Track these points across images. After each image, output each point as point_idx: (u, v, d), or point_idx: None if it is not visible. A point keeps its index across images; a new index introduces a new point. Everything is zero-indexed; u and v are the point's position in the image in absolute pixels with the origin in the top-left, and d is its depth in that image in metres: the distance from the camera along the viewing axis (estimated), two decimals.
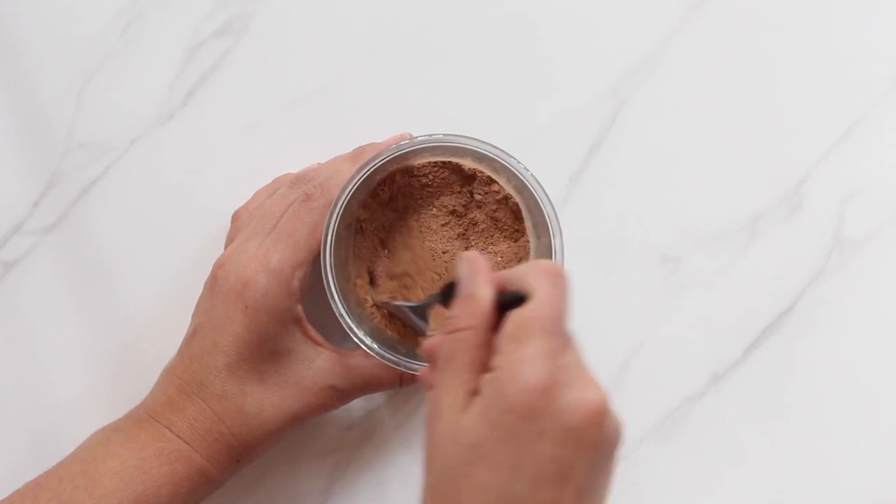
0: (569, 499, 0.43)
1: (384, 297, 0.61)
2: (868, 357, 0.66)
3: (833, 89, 0.67)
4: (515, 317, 0.45)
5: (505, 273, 0.48)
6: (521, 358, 0.44)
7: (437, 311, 0.58)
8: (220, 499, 0.62)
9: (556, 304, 0.46)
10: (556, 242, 0.58)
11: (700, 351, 0.66)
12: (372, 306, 0.61)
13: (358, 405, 0.65)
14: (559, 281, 0.46)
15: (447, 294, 0.50)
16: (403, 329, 0.61)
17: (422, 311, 0.58)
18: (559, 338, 0.45)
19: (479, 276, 0.47)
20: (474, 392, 0.45)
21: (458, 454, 0.44)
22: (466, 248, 0.62)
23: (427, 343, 0.48)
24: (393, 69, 0.67)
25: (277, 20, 0.67)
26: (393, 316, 0.61)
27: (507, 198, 0.61)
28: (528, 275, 0.47)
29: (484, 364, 0.45)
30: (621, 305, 0.66)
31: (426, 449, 0.46)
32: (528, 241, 0.61)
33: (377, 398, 0.66)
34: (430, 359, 0.47)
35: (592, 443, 0.43)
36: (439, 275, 0.62)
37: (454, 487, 0.44)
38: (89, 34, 0.66)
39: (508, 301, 0.46)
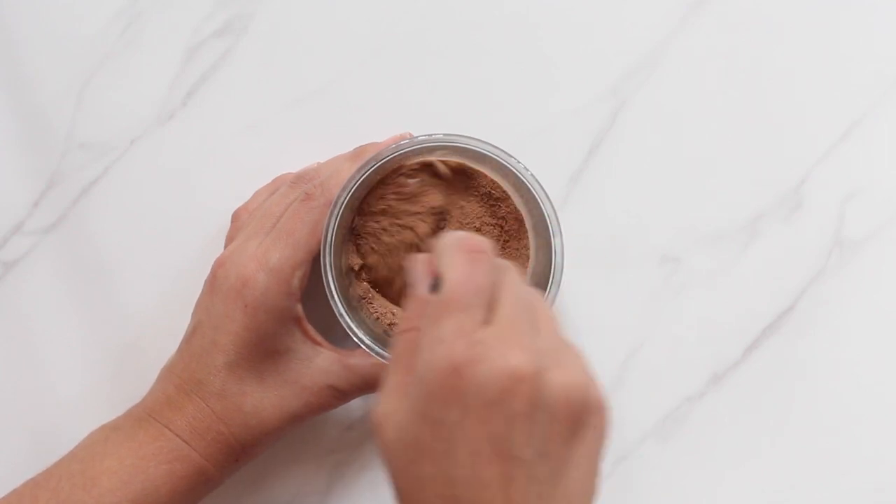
0: (520, 471, 0.42)
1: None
2: (868, 357, 0.66)
3: (833, 89, 0.67)
4: (431, 301, 0.45)
5: (435, 253, 0.47)
6: (433, 339, 0.43)
7: None
8: (220, 499, 0.62)
9: (468, 280, 0.44)
10: (556, 242, 0.58)
11: (700, 351, 0.66)
12: (368, 300, 0.61)
13: (358, 405, 0.65)
14: (473, 256, 0.45)
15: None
16: None
17: None
18: (474, 313, 0.44)
19: (417, 276, 0.47)
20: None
21: (404, 456, 0.43)
22: None
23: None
24: (393, 69, 0.67)
25: (277, 20, 0.67)
26: None
27: (508, 198, 0.61)
28: (442, 256, 0.46)
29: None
30: (621, 305, 0.66)
31: (381, 457, 0.45)
32: (528, 241, 0.61)
33: (377, 398, 0.65)
34: None
35: (522, 412, 0.42)
36: None
37: (412, 490, 0.43)
38: (89, 34, 0.66)
39: (436, 286, 0.46)
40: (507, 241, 0.62)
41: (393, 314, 0.61)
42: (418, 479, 0.43)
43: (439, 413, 0.42)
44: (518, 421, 0.42)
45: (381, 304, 0.61)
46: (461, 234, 0.47)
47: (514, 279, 0.46)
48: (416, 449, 0.43)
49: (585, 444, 0.44)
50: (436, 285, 0.46)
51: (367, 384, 0.60)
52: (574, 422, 0.43)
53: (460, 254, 0.45)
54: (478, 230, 0.62)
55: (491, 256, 0.46)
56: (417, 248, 0.62)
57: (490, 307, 0.45)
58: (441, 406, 0.42)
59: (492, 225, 0.62)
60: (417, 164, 0.61)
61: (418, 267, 0.48)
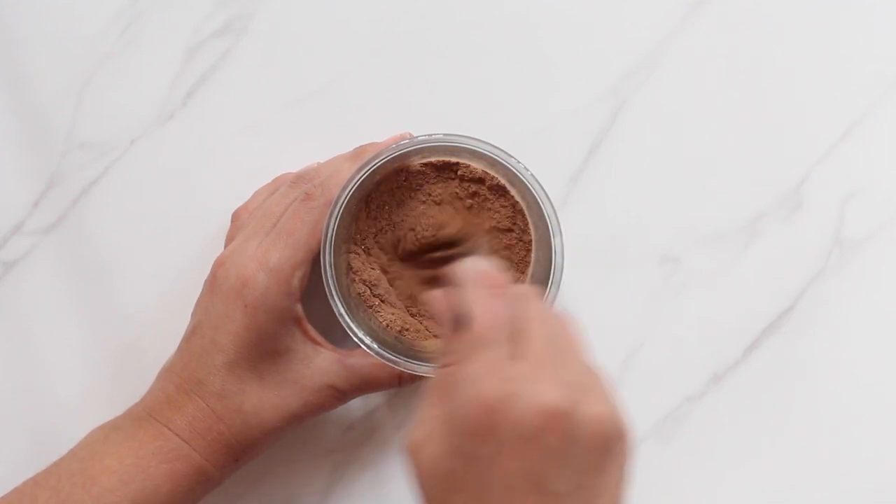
0: (553, 503, 0.43)
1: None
2: (868, 357, 0.66)
3: (833, 89, 0.67)
4: (461, 339, 0.46)
5: (455, 288, 0.48)
6: (466, 378, 0.44)
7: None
8: (220, 499, 0.62)
9: (495, 315, 0.45)
10: (556, 242, 0.58)
11: (700, 351, 0.66)
12: (371, 300, 0.61)
13: (358, 405, 0.65)
14: (496, 290, 0.46)
15: None
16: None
17: None
18: (504, 349, 0.44)
19: (446, 312, 0.48)
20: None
21: (437, 487, 0.44)
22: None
23: None
24: (393, 69, 0.67)
25: (277, 20, 0.67)
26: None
27: (509, 197, 0.61)
28: (464, 291, 0.47)
29: None
30: (621, 305, 0.66)
31: (414, 483, 0.45)
32: (530, 241, 0.61)
33: (377, 398, 0.66)
34: None
35: (557, 447, 0.42)
36: None
37: None
38: (89, 34, 0.66)
39: (461, 324, 0.46)
40: (508, 244, 0.62)
41: (403, 321, 0.62)
42: None
43: (474, 449, 0.43)
44: (553, 456, 0.42)
45: (388, 311, 0.61)
46: (478, 267, 0.48)
47: (538, 308, 0.47)
48: (450, 482, 0.44)
49: (614, 472, 0.44)
50: (459, 322, 0.46)
51: (367, 384, 0.60)
52: (605, 452, 0.44)
53: (481, 290, 0.46)
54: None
55: (511, 289, 0.47)
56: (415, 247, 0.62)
57: (516, 340, 0.45)
58: (476, 442, 0.43)
59: (493, 225, 0.62)
60: (426, 163, 0.61)
61: (437, 305, 0.48)
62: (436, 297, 0.49)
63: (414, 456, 0.45)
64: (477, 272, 0.48)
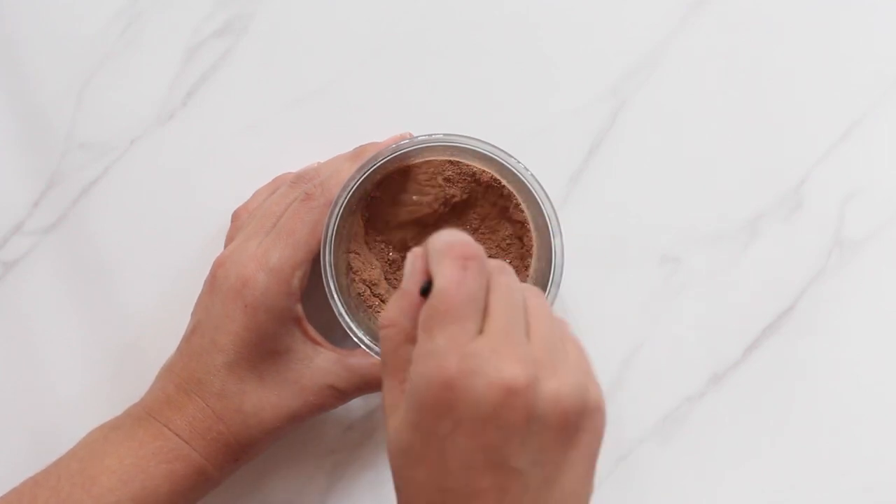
0: (514, 481, 0.42)
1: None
2: (868, 357, 0.66)
3: (833, 89, 0.67)
4: (423, 308, 0.44)
5: (427, 253, 0.46)
6: (426, 352, 0.43)
7: None
8: (220, 499, 0.62)
9: (458, 289, 0.43)
10: (556, 242, 0.58)
11: (700, 351, 0.66)
12: (370, 299, 0.61)
13: (358, 405, 0.65)
14: (463, 262, 0.44)
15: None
16: None
17: None
18: (465, 323, 0.43)
19: (412, 273, 0.46)
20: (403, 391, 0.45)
21: (398, 459, 0.44)
22: None
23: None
24: (393, 69, 0.67)
25: (277, 20, 0.67)
26: None
27: (509, 197, 0.61)
28: (434, 259, 0.45)
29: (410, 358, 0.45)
30: (621, 305, 0.66)
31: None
32: (530, 242, 0.61)
33: (377, 398, 0.66)
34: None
35: (516, 424, 0.42)
36: None
37: (406, 492, 0.44)
38: (89, 34, 0.66)
39: (428, 289, 0.45)
40: (510, 244, 0.62)
41: None
42: (413, 482, 0.44)
43: (431, 425, 0.42)
44: (512, 433, 0.42)
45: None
46: (453, 236, 0.46)
47: (506, 281, 0.45)
48: (410, 455, 0.43)
49: (581, 447, 0.44)
50: (427, 288, 0.45)
51: (367, 384, 0.60)
52: (569, 428, 0.43)
53: (452, 260, 0.44)
54: (480, 231, 0.62)
55: (483, 261, 0.45)
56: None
57: (481, 313, 0.44)
58: (433, 418, 0.42)
59: (493, 225, 0.62)
60: (426, 162, 0.61)
61: (415, 262, 0.47)
62: (414, 254, 0.47)
63: (385, 425, 0.45)
64: (448, 241, 0.45)
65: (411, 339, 0.45)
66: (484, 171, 0.61)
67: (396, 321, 0.46)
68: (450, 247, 0.45)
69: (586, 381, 0.44)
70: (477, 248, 0.45)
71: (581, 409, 0.43)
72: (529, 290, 0.47)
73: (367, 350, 0.58)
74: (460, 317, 0.43)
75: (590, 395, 0.44)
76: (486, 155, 0.59)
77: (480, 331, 0.44)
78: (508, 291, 0.45)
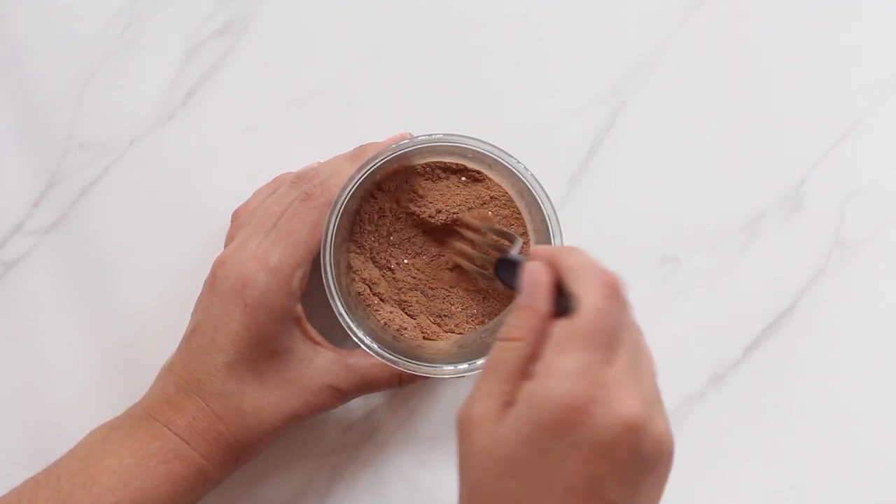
0: None
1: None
2: (868, 357, 0.66)
3: (833, 89, 0.67)
4: (561, 326, 0.45)
5: (563, 268, 0.47)
6: (558, 371, 0.44)
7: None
8: (220, 499, 0.62)
9: (604, 317, 0.44)
10: (556, 242, 0.58)
11: (700, 351, 0.66)
12: (370, 299, 0.61)
13: (358, 405, 0.65)
14: (611, 292, 0.45)
15: (500, 268, 0.51)
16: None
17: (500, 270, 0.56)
18: (602, 352, 0.44)
19: (539, 290, 0.47)
20: (510, 403, 0.45)
21: (493, 468, 0.44)
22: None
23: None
24: (393, 69, 0.67)
25: (277, 20, 0.67)
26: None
27: (507, 197, 0.62)
28: (580, 279, 0.45)
29: (526, 372, 0.45)
30: None
31: (460, 456, 0.46)
32: (528, 242, 0.62)
33: (377, 398, 0.66)
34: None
35: (624, 459, 0.43)
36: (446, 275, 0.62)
37: (490, 499, 0.44)
38: (89, 34, 0.66)
39: (561, 306, 0.46)
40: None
41: (402, 320, 0.62)
42: (503, 494, 0.44)
43: (547, 443, 0.43)
44: (619, 467, 0.43)
45: (387, 310, 0.61)
46: (592, 258, 0.47)
47: (633, 318, 0.47)
48: (509, 466, 0.44)
49: (658, 488, 0.45)
50: (565, 306, 0.45)
51: (367, 384, 0.60)
52: (657, 469, 0.45)
53: (602, 286, 0.45)
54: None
55: (626, 294, 0.46)
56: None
57: (610, 345, 0.45)
58: (551, 437, 0.43)
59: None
60: (428, 163, 0.61)
61: (538, 277, 0.47)
62: (536, 269, 0.47)
63: (468, 429, 0.45)
64: (593, 265, 0.46)
65: (533, 355, 0.45)
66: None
67: (525, 336, 0.46)
68: (599, 272, 0.46)
69: (669, 429, 0.46)
70: (622, 281, 0.46)
71: (669, 454, 0.45)
72: (640, 331, 0.48)
73: (367, 350, 0.58)
74: (599, 345, 0.44)
75: (672, 441, 0.45)
76: (486, 155, 0.59)
77: (608, 361, 0.44)
78: (634, 329, 0.46)
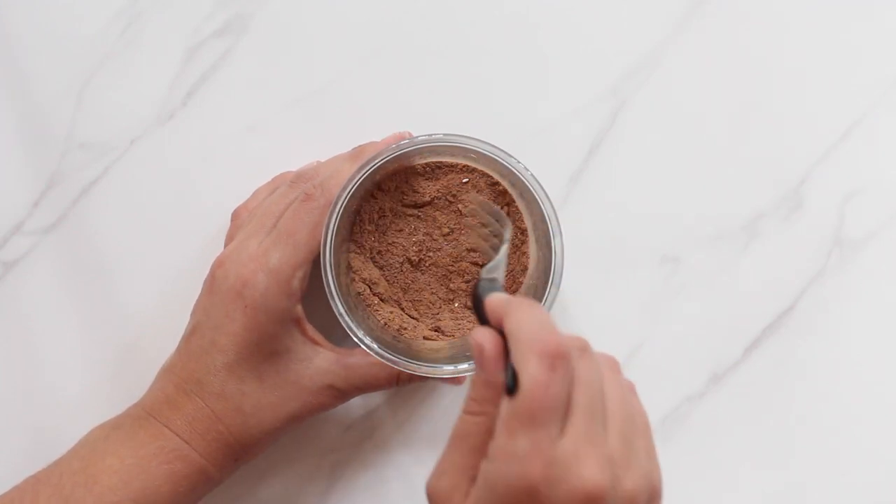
0: None
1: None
2: (868, 357, 0.66)
3: (833, 89, 0.67)
4: (505, 405, 0.43)
5: (507, 334, 0.44)
6: (507, 454, 0.43)
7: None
8: (219, 498, 0.62)
9: (544, 392, 0.42)
10: (556, 242, 0.58)
11: (700, 351, 0.66)
12: (370, 299, 0.61)
13: (357, 405, 0.65)
14: (550, 362, 0.43)
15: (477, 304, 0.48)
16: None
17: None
18: (548, 427, 0.42)
19: (488, 362, 0.45)
20: (475, 478, 0.44)
21: None
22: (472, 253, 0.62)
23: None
24: (393, 69, 0.67)
25: (277, 20, 0.67)
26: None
27: (508, 197, 0.62)
28: (517, 351, 0.43)
29: (485, 449, 0.44)
30: (621, 305, 0.66)
31: None
32: (528, 242, 0.61)
33: (377, 398, 0.66)
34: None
35: None
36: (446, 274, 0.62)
37: None
38: (89, 34, 0.66)
39: (513, 380, 0.44)
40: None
41: (401, 319, 0.62)
42: None
43: None
44: None
45: (387, 310, 0.61)
46: (539, 324, 0.44)
47: (587, 370, 0.44)
48: None
49: None
50: (513, 382, 0.43)
51: (367, 384, 0.60)
52: None
53: (540, 358, 0.43)
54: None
55: (570, 359, 0.43)
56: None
57: (564, 412, 0.43)
58: None
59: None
60: (427, 164, 0.61)
61: (487, 347, 0.45)
62: (484, 337, 0.45)
63: (436, 502, 0.45)
64: (535, 334, 0.43)
65: (493, 429, 0.44)
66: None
67: (484, 411, 0.45)
68: (537, 342, 0.43)
69: (651, 469, 0.45)
70: (568, 344, 0.44)
71: (647, 501, 0.44)
72: (604, 363, 0.46)
73: (367, 350, 0.58)
74: (544, 421, 0.42)
75: (654, 483, 0.44)
76: (485, 155, 0.59)
77: (562, 430, 0.43)
78: (589, 385, 0.44)
